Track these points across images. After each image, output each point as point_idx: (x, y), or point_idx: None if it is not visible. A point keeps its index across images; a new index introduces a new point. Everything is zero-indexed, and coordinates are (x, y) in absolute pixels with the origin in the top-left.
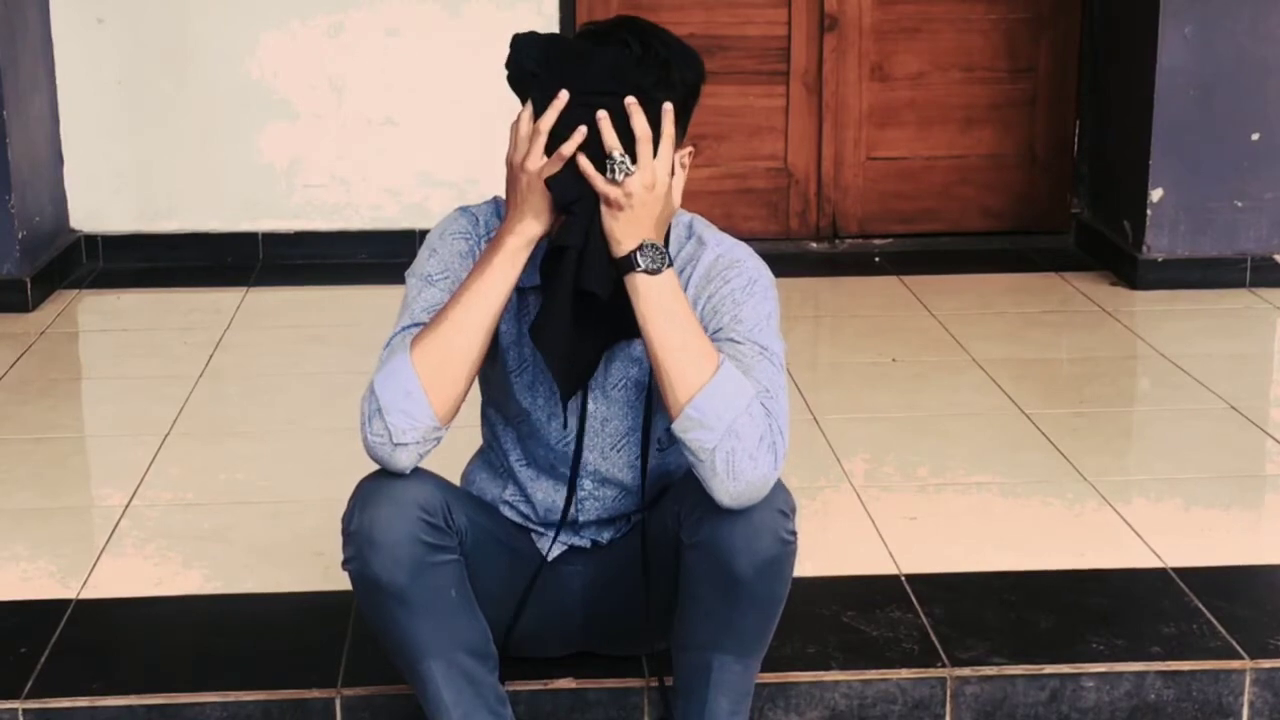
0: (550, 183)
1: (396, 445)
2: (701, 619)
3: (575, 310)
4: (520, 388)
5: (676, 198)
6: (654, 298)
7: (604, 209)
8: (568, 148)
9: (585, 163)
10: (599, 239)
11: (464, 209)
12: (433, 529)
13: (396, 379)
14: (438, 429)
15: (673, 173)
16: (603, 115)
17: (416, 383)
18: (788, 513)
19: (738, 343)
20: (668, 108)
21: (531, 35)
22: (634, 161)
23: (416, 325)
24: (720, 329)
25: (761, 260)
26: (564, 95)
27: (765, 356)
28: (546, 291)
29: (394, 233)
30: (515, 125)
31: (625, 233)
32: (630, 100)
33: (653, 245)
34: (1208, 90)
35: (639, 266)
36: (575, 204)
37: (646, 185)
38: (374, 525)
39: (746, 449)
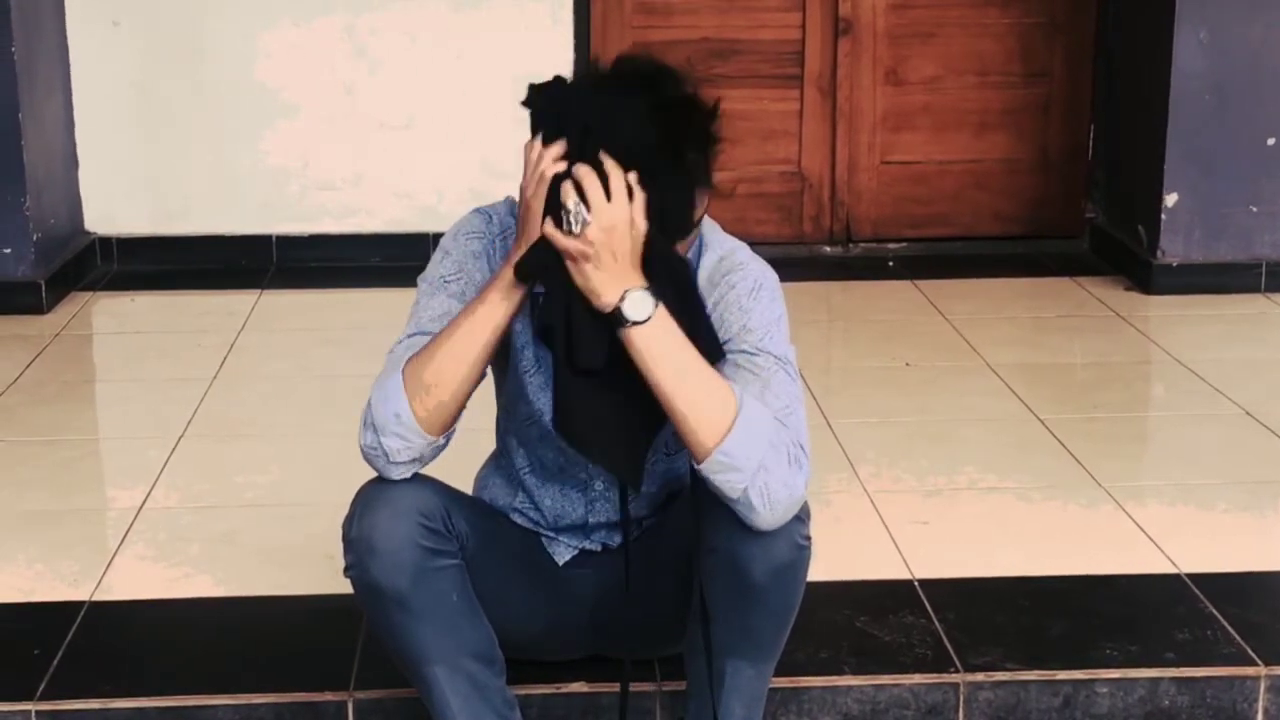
0: (520, 262)
1: (392, 463)
2: (717, 624)
3: (593, 386)
4: (534, 389)
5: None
6: (652, 348)
7: (571, 267)
8: (550, 168)
9: (547, 225)
10: (580, 308)
11: (479, 209)
12: (432, 534)
13: (388, 403)
14: (434, 443)
15: (631, 197)
16: (579, 169)
17: (406, 406)
18: (803, 518)
19: (751, 354)
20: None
21: (558, 83)
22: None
23: (421, 334)
24: (729, 339)
25: (765, 262)
26: (559, 146)
27: (781, 367)
28: (556, 379)
29: (407, 236)
30: (526, 150)
31: (603, 284)
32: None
33: (637, 290)
34: (1223, 95)
35: (627, 321)
36: (547, 274)
37: (606, 228)
38: (373, 532)
39: (779, 477)
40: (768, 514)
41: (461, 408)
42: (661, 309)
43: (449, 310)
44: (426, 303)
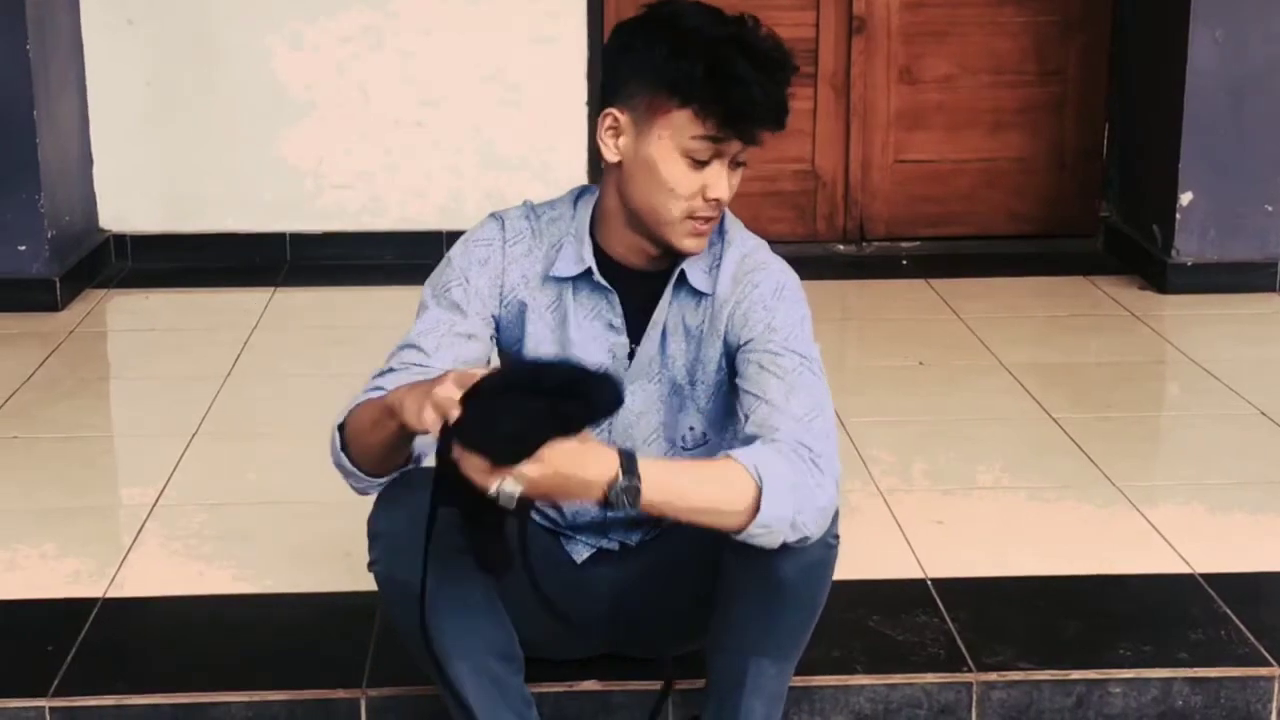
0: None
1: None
2: (741, 621)
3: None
4: None
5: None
6: (659, 505)
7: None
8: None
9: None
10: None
11: (494, 214)
12: (456, 530)
13: (334, 453)
14: (391, 478)
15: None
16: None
17: (346, 460)
18: (833, 517)
19: (776, 354)
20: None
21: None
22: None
23: (411, 347)
24: (753, 339)
25: (785, 262)
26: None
27: (807, 367)
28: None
29: (421, 234)
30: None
31: (586, 486)
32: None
33: (616, 487)
34: (1238, 94)
35: (625, 513)
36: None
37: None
38: (398, 527)
39: (813, 506)
40: (809, 536)
41: (409, 455)
42: (644, 465)
43: (439, 323)
44: (422, 315)
